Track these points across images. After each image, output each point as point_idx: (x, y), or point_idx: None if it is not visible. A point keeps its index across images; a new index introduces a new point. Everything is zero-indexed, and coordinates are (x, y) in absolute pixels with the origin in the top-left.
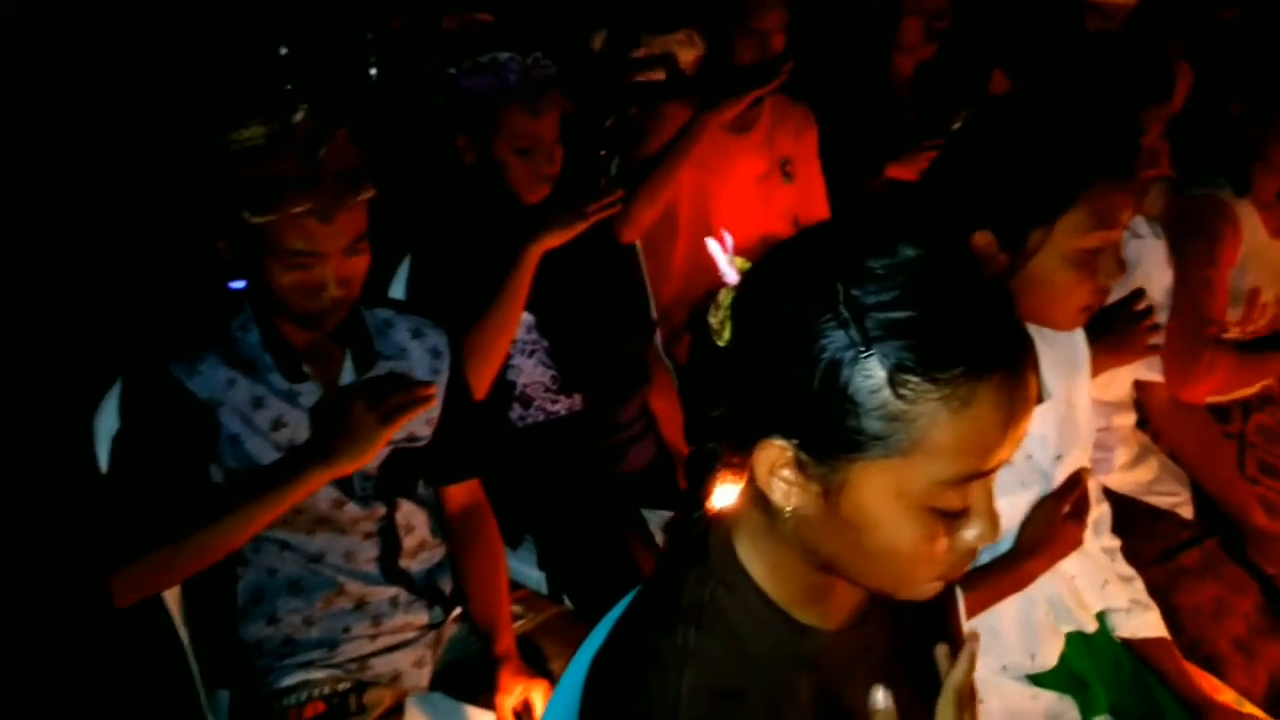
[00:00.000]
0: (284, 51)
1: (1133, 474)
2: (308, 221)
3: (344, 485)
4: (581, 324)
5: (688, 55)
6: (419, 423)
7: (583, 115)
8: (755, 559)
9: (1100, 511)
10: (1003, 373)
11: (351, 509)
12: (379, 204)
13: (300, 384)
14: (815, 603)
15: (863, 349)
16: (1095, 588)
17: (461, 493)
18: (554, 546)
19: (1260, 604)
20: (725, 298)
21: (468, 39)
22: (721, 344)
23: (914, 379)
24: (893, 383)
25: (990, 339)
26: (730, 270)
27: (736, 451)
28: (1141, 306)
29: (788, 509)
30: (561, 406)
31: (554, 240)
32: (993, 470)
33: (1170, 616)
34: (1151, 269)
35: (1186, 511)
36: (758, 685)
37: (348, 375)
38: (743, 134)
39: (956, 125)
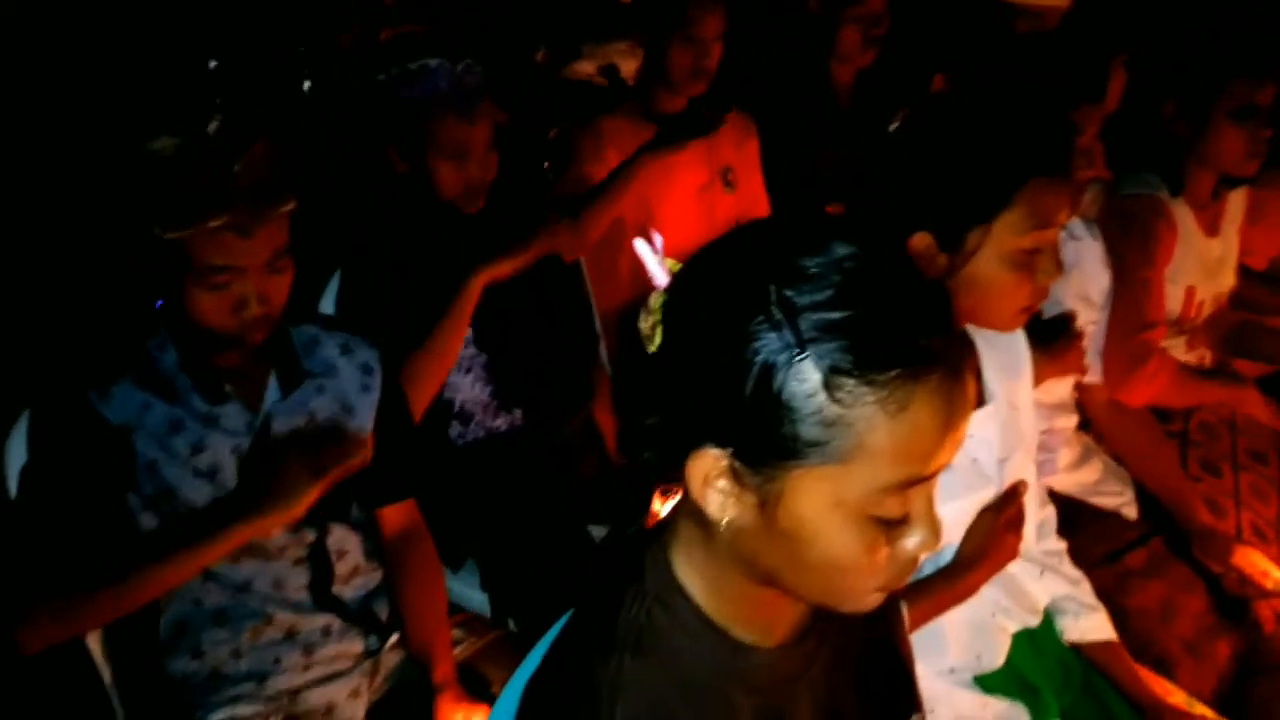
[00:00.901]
0: (213, 65)
1: (1076, 475)
2: (225, 236)
3: None
4: (521, 337)
5: (630, 66)
6: None
7: (525, 127)
8: (693, 575)
9: (1045, 514)
10: (940, 374)
11: (279, 535)
12: (309, 218)
13: (221, 406)
14: (756, 619)
15: (797, 351)
16: (1034, 578)
17: (397, 514)
18: (497, 568)
19: (1207, 603)
20: (656, 301)
21: (400, 49)
22: (653, 350)
23: (850, 382)
24: (828, 386)
25: (927, 339)
26: (660, 272)
27: (672, 463)
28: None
29: (724, 521)
30: (502, 423)
31: (501, 271)
32: (933, 475)
33: (1118, 618)
34: (1089, 270)
35: (1131, 512)
36: (696, 712)
37: (273, 395)
38: None
39: (893, 127)
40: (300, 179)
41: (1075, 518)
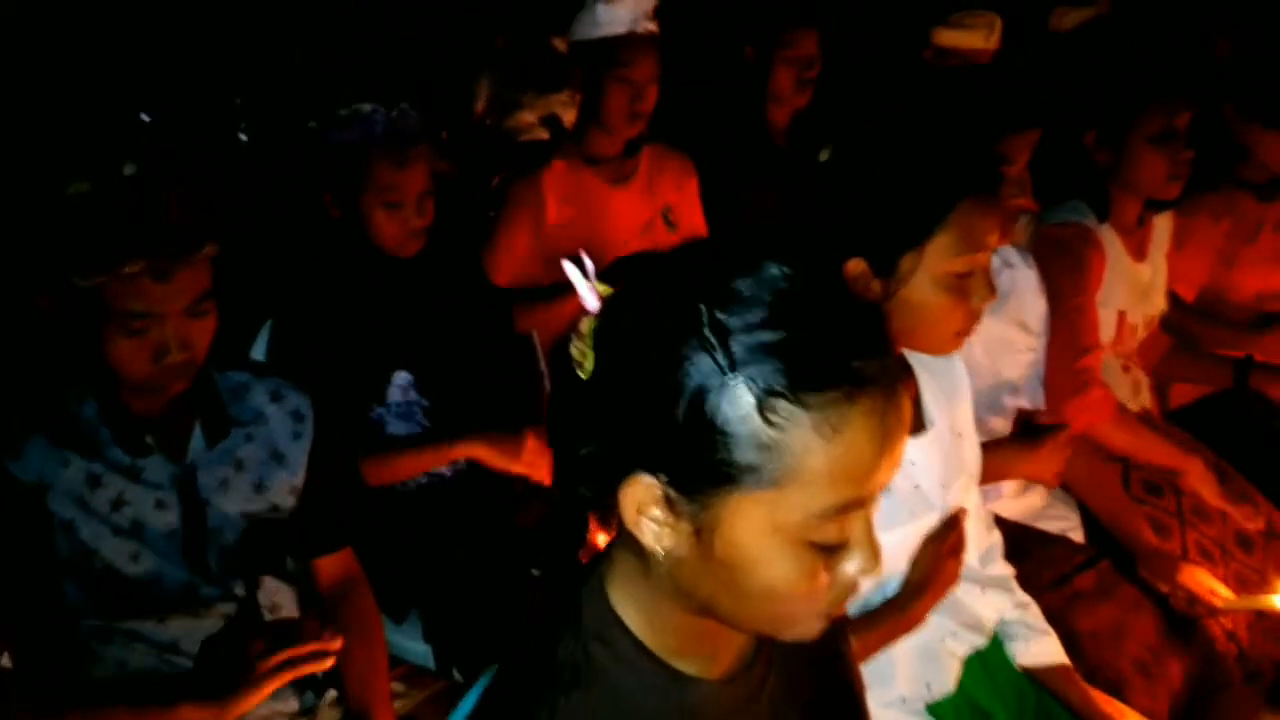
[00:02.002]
0: (145, 118)
1: (1022, 501)
2: (142, 281)
3: (196, 565)
4: (463, 380)
5: (571, 115)
6: (281, 491)
7: (466, 176)
8: (631, 608)
9: (992, 539)
10: (876, 395)
11: (205, 592)
12: (240, 265)
13: (143, 458)
14: (697, 651)
15: (729, 374)
16: (977, 596)
17: (332, 565)
18: (441, 618)
19: (1157, 624)
20: (587, 326)
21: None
22: (585, 376)
23: (784, 404)
24: (762, 409)
25: (861, 360)
26: (591, 296)
27: (606, 494)
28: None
29: (660, 551)
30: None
31: (481, 457)
32: (870, 498)
33: (1069, 641)
34: (1026, 298)
35: (1077, 535)
36: None
37: (197, 444)
38: (622, 185)
39: (823, 156)
40: (228, 224)
41: (1022, 543)
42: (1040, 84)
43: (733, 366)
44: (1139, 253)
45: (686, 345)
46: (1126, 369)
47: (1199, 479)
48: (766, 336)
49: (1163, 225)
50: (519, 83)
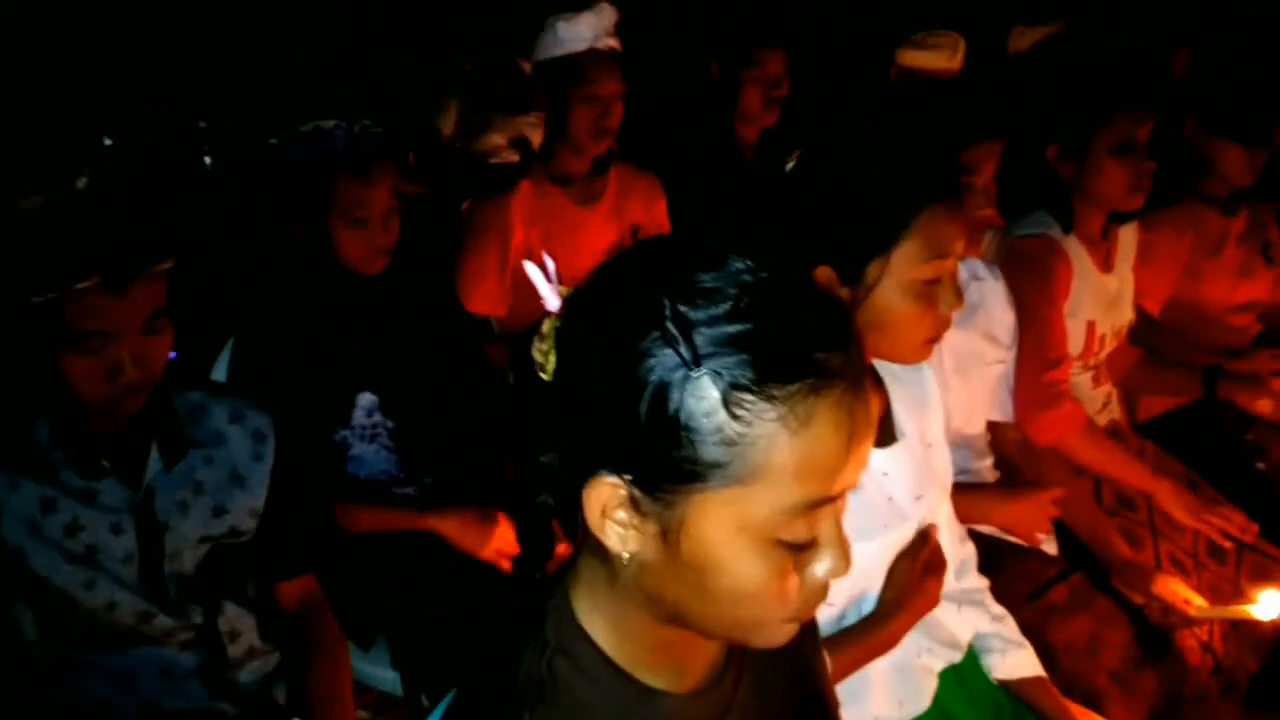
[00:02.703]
0: (108, 142)
1: None
2: (96, 298)
3: (153, 592)
4: (429, 403)
5: (539, 137)
6: (242, 514)
7: (436, 199)
8: (596, 619)
9: (965, 552)
10: (842, 388)
11: (162, 620)
12: (204, 285)
13: (98, 481)
14: (665, 662)
15: (693, 368)
16: (953, 612)
17: (295, 590)
18: (409, 643)
19: (1132, 635)
20: (548, 327)
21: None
22: (547, 377)
23: (750, 398)
24: (727, 403)
25: (827, 352)
26: (553, 296)
27: (570, 501)
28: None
29: (625, 555)
30: (412, 489)
31: (449, 535)
32: (839, 496)
33: (1045, 654)
34: (994, 311)
35: (1051, 548)
36: None
37: (154, 467)
38: (590, 205)
39: (789, 166)
40: (187, 241)
41: (996, 556)
42: (1002, 96)
43: (697, 360)
44: (1105, 264)
45: (649, 339)
46: (1097, 381)
47: (1168, 500)
48: (731, 329)
49: (1128, 237)
50: (488, 105)
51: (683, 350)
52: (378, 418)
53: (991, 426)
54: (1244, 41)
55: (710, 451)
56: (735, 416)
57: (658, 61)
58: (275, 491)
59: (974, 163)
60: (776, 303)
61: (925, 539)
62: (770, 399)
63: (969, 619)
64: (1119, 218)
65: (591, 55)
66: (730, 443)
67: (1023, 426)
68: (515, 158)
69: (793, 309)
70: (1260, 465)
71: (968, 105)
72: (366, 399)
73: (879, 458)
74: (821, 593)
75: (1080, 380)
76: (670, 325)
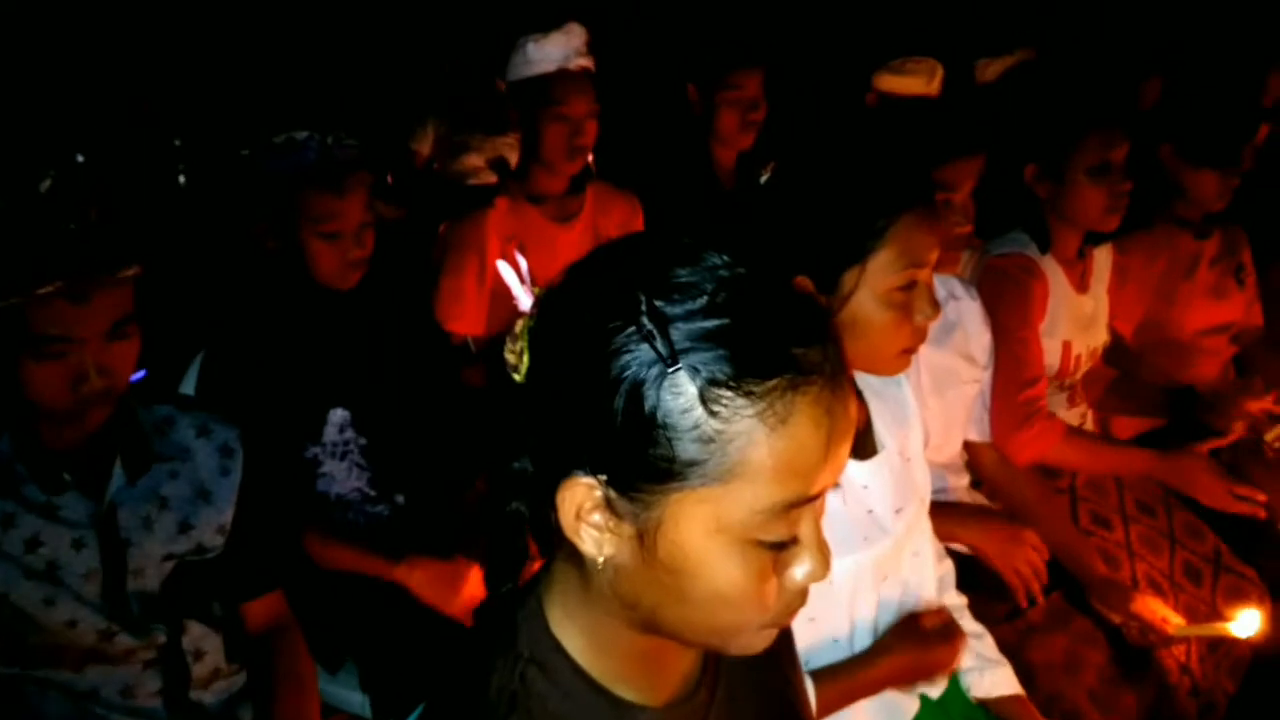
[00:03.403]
0: (80, 159)
1: None
2: (59, 303)
3: (115, 610)
4: (401, 418)
5: (518, 158)
6: (209, 530)
7: (414, 221)
8: (571, 630)
9: (944, 568)
10: (820, 385)
11: (124, 639)
12: (173, 298)
13: (60, 495)
14: (640, 674)
15: (670, 363)
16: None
17: (262, 609)
18: (379, 665)
19: (1110, 655)
20: (521, 327)
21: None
22: (520, 379)
23: (728, 394)
24: (705, 400)
25: (805, 348)
26: (525, 295)
27: (543, 508)
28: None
29: (600, 559)
30: (384, 508)
31: (418, 590)
32: (818, 496)
33: (1024, 673)
34: (971, 329)
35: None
36: None
37: (117, 481)
38: (567, 223)
39: (764, 178)
40: (160, 256)
41: (974, 575)
42: (979, 117)
43: (673, 356)
44: (1081, 285)
45: (624, 334)
46: (1072, 402)
47: (1191, 476)
48: (708, 324)
49: (1103, 259)
50: (465, 127)
51: (659, 345)
52: (349, 434)
53: (969, 446)
54: (1214, 68)
55: (687, 449)
56: (712, 413)
57: (635, 83)
58: (243, 508)
59: (952, 180)
60: (754, 298)
61: (944, 613)
62: (748, 395)
63: None
64: (1095, 238)
65: (562, 75)
66: (707, 440)
67: (1001, 446)
68: (494, 179)
69: (770, 304)
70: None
71: (945, 123)
72: (338, 415)
73: (859, 471)
74: (800, 598)
75: (1055, 400)
76: (646, 320)
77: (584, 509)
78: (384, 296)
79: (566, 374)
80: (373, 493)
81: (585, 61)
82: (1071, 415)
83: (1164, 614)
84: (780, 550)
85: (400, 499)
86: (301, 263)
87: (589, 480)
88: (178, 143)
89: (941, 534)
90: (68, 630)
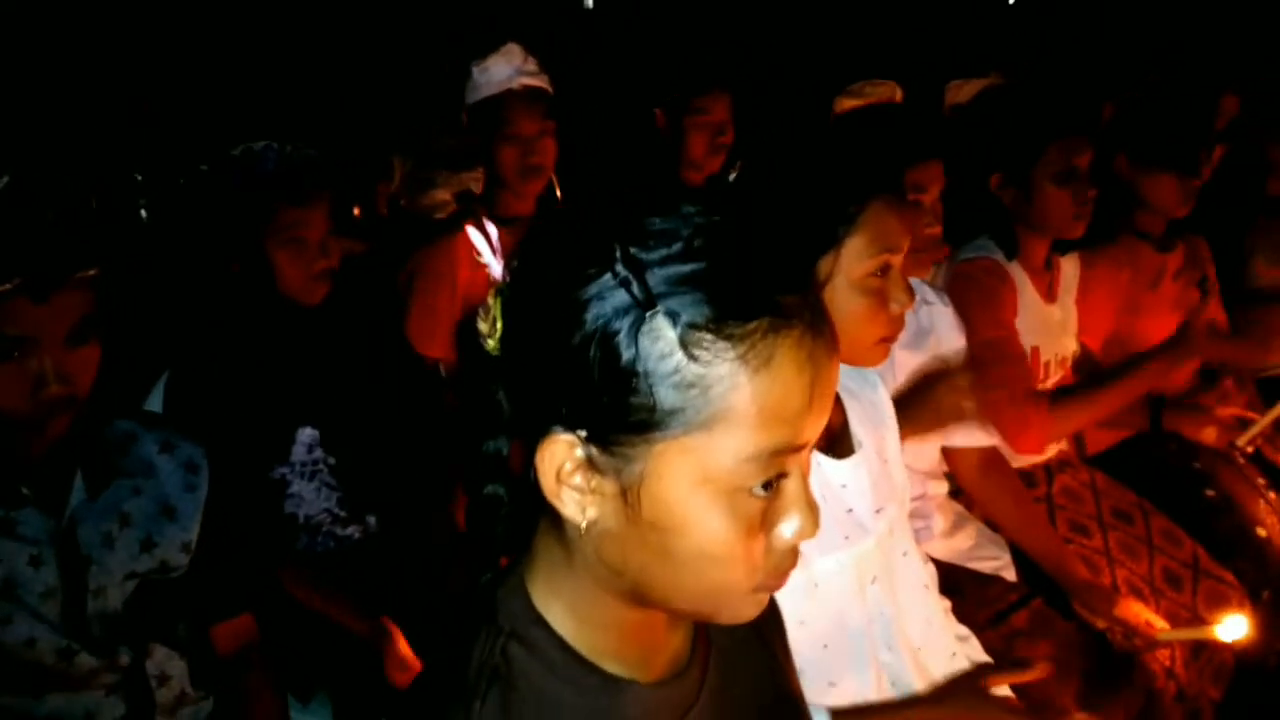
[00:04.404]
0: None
1: (953, 541)
2: (17, 301)
3: (75, 630)
4: (370, 438)
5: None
6: (173, 548)
7: (380, 256)
8: (554, 602)
9: (928, 572)
10: (801, 329)
11: (85, 660)
12: (138, 316)
13: (18, 510)
14: (627, 650)
15: (647, 309)
16: (944, 659)
17: (229, 633)
18: (351, 697)
19: (1096, 659)
20: (494, 299)
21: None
22: (493, 349)
23: (708, 337)
24: (684, 344)
25: (785, 292)
26: (495, 263)
27: (520, 491)
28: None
29: (584, 523)
30: (354, 530)
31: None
32: (804, 446)
33: None
34: (944, 334)
35: (1010, 574)
36: None
37: (78, 496)
38: None
39: (732, 176)
40: (124, 275)
41: (956, 583)
42: (945, 124)
43: (650, 300)
44: (1049, 295)
45: (598, 282)
46: None
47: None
48: (686, 268)
49: (1071, 270)
50: (431, 161)
51: (635, 290)
52: (318, 454)
53: (947, 453)
54: (1166, 84)
55: (668, 396)
56: (693, 357)
57: (602, 108)
58: (209, 526)
59: (921, 181)
60: (732, 242)
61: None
62: (729, 338)
63: (957, 667)
64: (1062, 246)
65: (509, 96)
66: (688, 385)
67: (1016, 449)
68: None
69: (748, 248)
70: (1209, 493)
71: (909, 124)
72: (307, 434)
73: (837, 469)
74: (790, 557)
75: None
76: (621, 266)
77: (564, 470)
78: (353, 316)
79: (541, 328)
80: (342, 513)
81: (534, 81)
82: None
83: (1148, 618)
84: (768, 501)
85: (371, 520)
86: (267, 278)
87: (568, 437)
88: (139, 177)
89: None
90: (26, 650)
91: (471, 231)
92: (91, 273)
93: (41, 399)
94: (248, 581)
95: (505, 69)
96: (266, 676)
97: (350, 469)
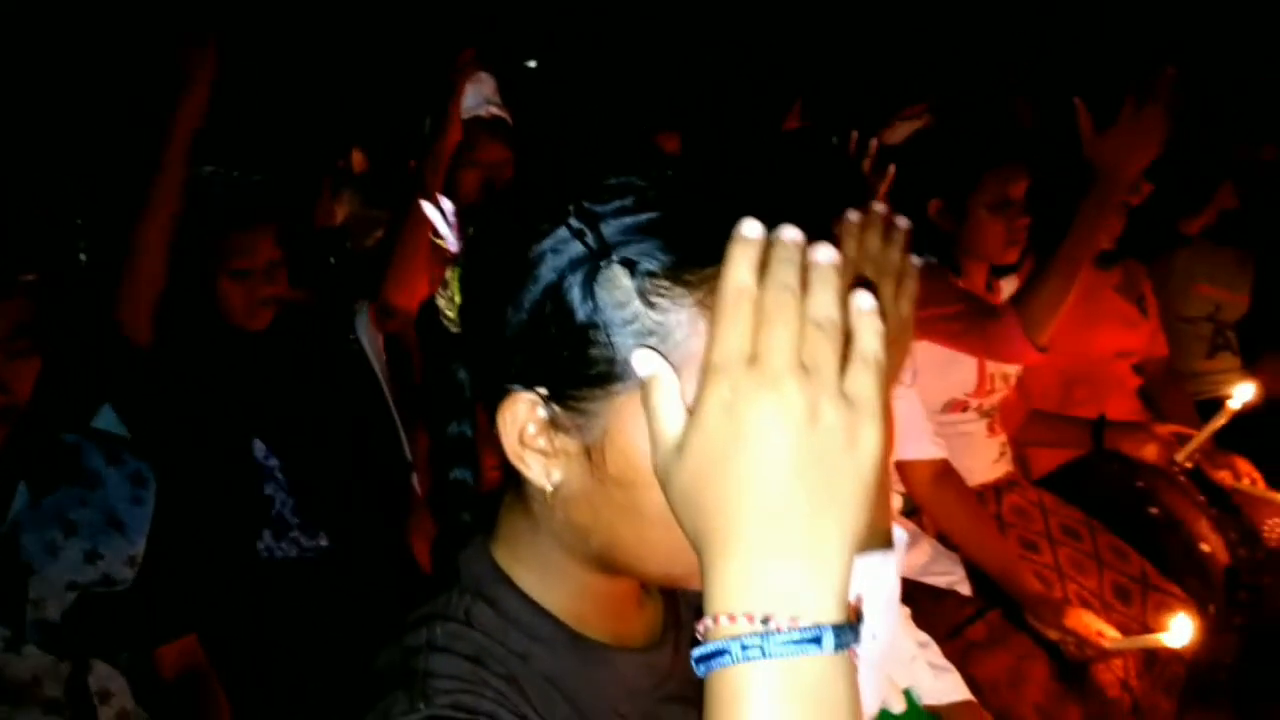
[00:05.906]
0: None
1: (907, 557)
2: None
3: (13, 642)
4: (316, 447)
5: None
6: (117, 561)
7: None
8: (519, 568)
9: None
10: None
11: (22, 673)
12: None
13: None
14: (598, 618)
15: (602, 257)
16: (903, 662)
17: (175, 655)
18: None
19: (1052, 669)
20: (451, 273)
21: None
22: (453, 325)
23: (665, 284)
24: (642, 291)
25: None
26: (453, 236)
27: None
28: None
29: (549, 486)
30: (323, 539)
31: None
32: None
33: (969, 689)
34: None
35: (965, 589)
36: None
37: (21, 502)
38: None
39: None
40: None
41: (911, 597)
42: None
43: (605, 250)
44: None
45: (553, 236)
46: (992, 431)
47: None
48: (641, 218)
49: (1011, 290)
50: (379, 201)
51: (589, 240)
52: (272, 462)
53: (900, 467)
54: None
55: (626, 345)
56: (651, 305)
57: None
58: (156, 542)
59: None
60: (685, 190)
61: None
62: (686, 284)
63: (916, 671)
64: (998, 271)
65: (474, 123)
66: (648, 333)
67: (1008, 353)
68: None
69: (701, 193)
70: (1153, 510)
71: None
72: (260, 447)
73: None
74: None
75: (975, 429)
76: (575, 220)
77: (527, 432)
78: (302, 339)
79: (497, 287)
80: (296, 520)
81: (497, 110)
82: (993, 444)
83: (1098, 627)
84: None
85: (325, 544)
86: (212, 303)
87: (530, 395)
88: (79, 220)
89: None
90: None
91: (428, 208)
92: (28, 279)
93: None
94: (193, 602)
95: (473, 96)
96: (216, 699)
97: (302, 481)
